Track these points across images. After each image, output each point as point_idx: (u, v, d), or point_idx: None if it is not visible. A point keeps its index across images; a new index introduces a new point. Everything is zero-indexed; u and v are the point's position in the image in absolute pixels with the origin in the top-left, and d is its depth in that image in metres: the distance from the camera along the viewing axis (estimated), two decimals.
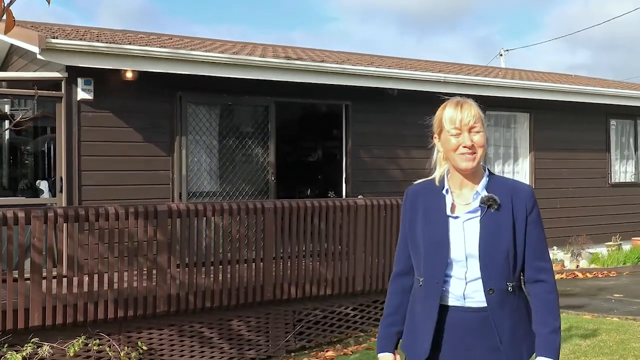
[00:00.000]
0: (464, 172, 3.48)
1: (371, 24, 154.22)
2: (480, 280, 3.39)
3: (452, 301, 3.46)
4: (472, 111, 3.43)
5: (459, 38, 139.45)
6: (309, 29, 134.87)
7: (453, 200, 3.52)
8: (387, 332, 3.74)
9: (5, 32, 4.17)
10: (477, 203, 3.45)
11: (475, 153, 3.42)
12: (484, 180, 3.51)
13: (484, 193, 3.46)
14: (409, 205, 3.67)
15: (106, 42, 10.36)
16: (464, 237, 3.43)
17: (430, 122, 3.63)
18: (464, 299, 3.43)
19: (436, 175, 3.61)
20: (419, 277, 3.56)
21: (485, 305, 3.39)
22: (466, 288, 3.42)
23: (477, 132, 3.43)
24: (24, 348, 7.47)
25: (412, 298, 3.65)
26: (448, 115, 3.45)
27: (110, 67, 10.33)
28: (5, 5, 4.06)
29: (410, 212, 3.65)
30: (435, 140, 3.59)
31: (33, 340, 7.59)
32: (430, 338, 3.46)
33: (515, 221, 3.42)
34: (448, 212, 3.50)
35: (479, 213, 3.43)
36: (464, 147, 3.41)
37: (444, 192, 3.55)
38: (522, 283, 3.53)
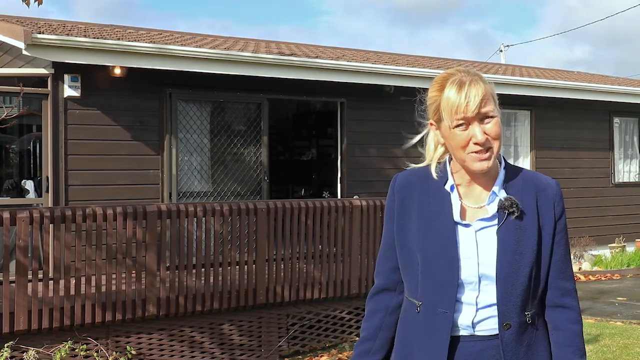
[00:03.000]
0: (479, 173, 2.79)
1: (360, 17, 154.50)
2: (495, 307, 2.73)
3: (459, 331, 2.78)
4: (480, 90, 2.68)
5: (452, 32, 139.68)
6: (296, 23, 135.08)
7: (461, 200, 2.83)
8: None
9: None
10: (494, 207, 2.77)
11: (490, 149, 2.72)
12: (501, 176, 2.83)
13: (502, 194, 2.78)
14: (398, 201, 2.94)
15: (93, 38, 10.37)
16: (477, 251, 2.75)
17: (423, 100, 2.91)
18: (474, 327, 2.76)
19: (432, 167, 2.90)
20: (414, 299, 2.86)
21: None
22: (476, 315, 2.75)
23: (491, 117, 2.72)
24: (8, 353, 7.47)
25: (404, 325, 2.95)
26: (449, 101, 2.70)
27: (98, 63, 10.35)
28: None
29: (399, 211, 2.92)
30: (432, 128, 2.88)
31: (18, 345, 7.61)
32: None
33: (541, 230, 2.78)
34: (457, 218, 2.79)
35: (495, 221, 2.75)
36: (476, 143, 2.69)
37: (447, 187, 2.84)
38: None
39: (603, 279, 14.94)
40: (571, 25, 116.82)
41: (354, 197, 11.21)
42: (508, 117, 15.90)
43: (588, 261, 16.00)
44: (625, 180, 17.94)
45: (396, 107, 13.35)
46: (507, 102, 15.03)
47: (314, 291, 9.63)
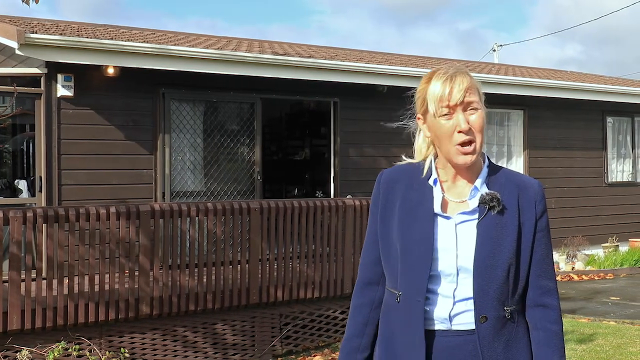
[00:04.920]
0: (462, 167, 2.84)
1: (348, 16, 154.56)
2: (472, 301, 2.76)
3: (435, 324, 2.81)
4: (464, 82, 2.76)
5: (442, 31, 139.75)
6: (286, 22, 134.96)
7: (444, 194, 2.88)
8: None
9: None
10: (475, 202, 2.81)
11: (473, 141, 2.77)
12: (484, 172, 2.88)
13: (484, 189, 2.82)
14: (382, 195, 2.98)
15: (87, 37, 10.39)
16: (457, 244, 2.79)
17: (411, 96, 2.98)
18: (450, 321, 2.78)
19: (425, 164, 2.96)
20: (394, 290, 2.89)
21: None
22: (453, 308, 2.78)
23: (475, 109, 2.79)
24: (1, 352, 7.48)
25: (386, 317, 2.96)
26: (435, 91, 2.78)
27: (91, 63, 10.37)
28: None
29: (383, 205, 2.97)
30: (419, 122, 2.94)
31: (11, 344, 7.62)
32: None
33: (521, 227, 2.82)
34: (437, 210, 2.83)
35: (476, 215, 2.80)
36: (460, 131, 2.75)
37: (431, 182, 2.89)
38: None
39: (596, 278, 15.00)
40: (561, 24, 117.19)
41: (347, 197, 11.24)
42: (501, 117, 15.96)
43: (581, 261, 16.05)
44: (618, 180, 17.99)
45: (389, 107, 13.37)
46: (501, 101, 15.12)
47: (307, 291, 9.65)
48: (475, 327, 2.75)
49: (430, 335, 2.79)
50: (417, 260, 2.80)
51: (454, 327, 2.78)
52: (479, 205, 2.79)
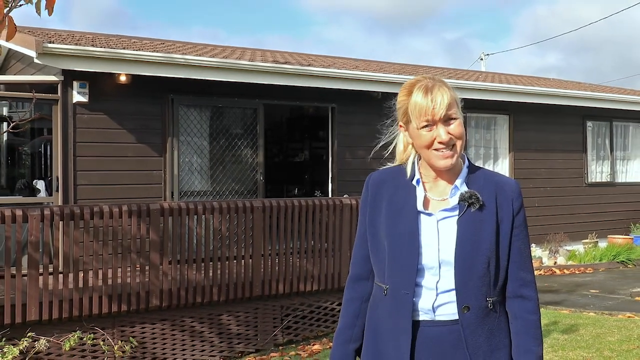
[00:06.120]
0: (443, 170, 2.86)
1: (340, 26, 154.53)
2: (454, 292, 2.78)
3: (420, 315, 2.83)
4: (445, 96, 2.77)
5: (430, 41, 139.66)
6: (282, 32, 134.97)
7: (426, 193, 2.90)
8: (344, 351, 3.08)
9: (7, 39, 4.22)
10: (455, 200, 2.83)
11: (454, 147, 2.80)
12: (464, 173, 2.88)
13: (464, 188, 2.84)
14: (371, 197, 3.01)
15: (101, 47, 10.39)
16: (438, 239, 2.81)
17: (393, 104, 3.06)
18: (434, 312, 2.81)
19: (408, 166, 2.99)
20: (382, 284, 2.91)
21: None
22: (437, 300, 2.80)
23: (454, 119, 2.79)
24: (21, 342, 7.49)
25: (373, 310, 2.99)
26: (416, 105, 2.79)
27: (105, 71, 10.38)
28: (6, 12, 4.13)
29: (371, 205, 3.00)
30: (402, 129, 3.00)
31: (30, 334, 7.63)
32: None
33: (499, 223, 2.83)
34: (419, 207, 2.86)
35: (456, 212, 2.81)
36: (440, 142, 2.78)
37: (414, 182, 2.92)
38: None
39: (577, 272, 14.99)
40: (542, 33, 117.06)
41: (344, 196, 11.24)
42: (488, 121, 15.95)
43: (563, 256, 16.05)
44: (597, 180, 18.01)
45: (383, 112, 13.34)
46: (487, 107, 15.13)
47: (306, 284, 9.66)
48: (459, 317, 2.78)
49: (415, 325, 2.82)
50: (404, 255, 2.83)
51: (438, 318, 2.80)
52: (459, 203, 2.82)
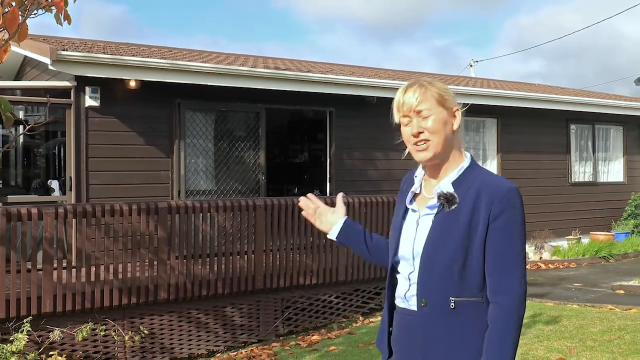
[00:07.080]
0: (425, 164, 2.87)
1: (334, 33, 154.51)
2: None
3: (397, 301, 2.91)
4: (417, 92, 2.76)
5: (419, 48, 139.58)
6: (279, 40, 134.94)
7: (420, 190, 2.92)
8: (352, 222, 3.22)
9: (19, 40, 4.23)
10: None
11: (428, 141, 2.76)
12: (453, 174, 2.81)
13: (447, 188, 2.77)
14: (400, 191, 3.04)
15: (111, 54, 10.40)
16: (416, 233, 2.82)
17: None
18: (408, 300, 2.83)
19: (420, 164, 2.97)
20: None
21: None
22: (409, 290, 2.81)
23: (426, 116, 2.75)
24: (37, 333, 7.49)
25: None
26: (393, 102, 2.85)
27: (115, 77, 10.38)
28: (22, 20, 4.15)
29: (398, 198, 3.03)
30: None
31: (45, 325, 7.64)
32: (386, 339, 2.97)
33: (472, 226, 2.69)
34: (407, 204, 2.92)
35: (436, 210, 2.79)
36: (412, 135, 2.78)
37: (416, 180, 2.95)
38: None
39: (561, 267, 15.00)
40: (527, 41, 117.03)
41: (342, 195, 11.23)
42: (477, 124, 15.97)
43: (548, 251, 16.08)
44: (580, 180, 18.03)
45: (379, 116, 13.38)
46: (477, 110, 15.14)
47: (306, 278, 9.68)
48: (417, 309, 2.79)
49: (396, 310, 2.93)
50: (390, 245, 2.95)
51: (411, 307, 2.83)
52: (437, 202, 2.79)
